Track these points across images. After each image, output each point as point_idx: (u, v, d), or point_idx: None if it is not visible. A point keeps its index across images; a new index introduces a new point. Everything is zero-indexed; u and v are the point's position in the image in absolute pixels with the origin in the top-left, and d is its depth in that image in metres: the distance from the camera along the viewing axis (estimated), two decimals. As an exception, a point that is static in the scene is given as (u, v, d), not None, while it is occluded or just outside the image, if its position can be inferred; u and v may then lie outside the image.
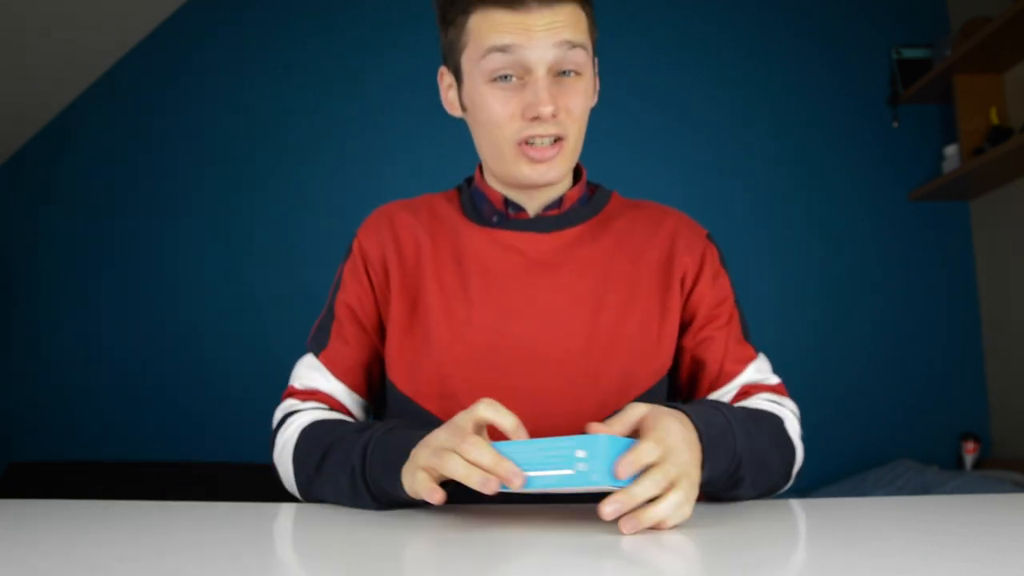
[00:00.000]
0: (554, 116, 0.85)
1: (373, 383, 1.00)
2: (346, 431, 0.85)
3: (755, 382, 0.94)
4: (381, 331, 0.98)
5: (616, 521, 0.63)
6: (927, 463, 2.42)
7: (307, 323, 3.12)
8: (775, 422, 0.86)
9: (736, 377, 0.94)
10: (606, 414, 0.86)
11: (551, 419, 0.87)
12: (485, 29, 0.84)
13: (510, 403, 0.88)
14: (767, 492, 0.85)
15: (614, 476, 0.62)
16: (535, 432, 0.87)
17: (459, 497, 0.76)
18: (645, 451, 0.64)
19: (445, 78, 0.95)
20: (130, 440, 2.78)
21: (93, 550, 0.62)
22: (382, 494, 0.77)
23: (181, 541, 0.65)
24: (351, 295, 0.99)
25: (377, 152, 2.87)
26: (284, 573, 0.56)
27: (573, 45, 0.84)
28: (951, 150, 2.56)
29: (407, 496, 0.73)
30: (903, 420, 2.62)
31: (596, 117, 1.10)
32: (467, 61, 0.88)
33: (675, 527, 0.65)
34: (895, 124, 2.77)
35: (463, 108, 0.93)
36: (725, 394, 0.94)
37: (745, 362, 0.95)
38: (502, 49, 0.83)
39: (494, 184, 0.96)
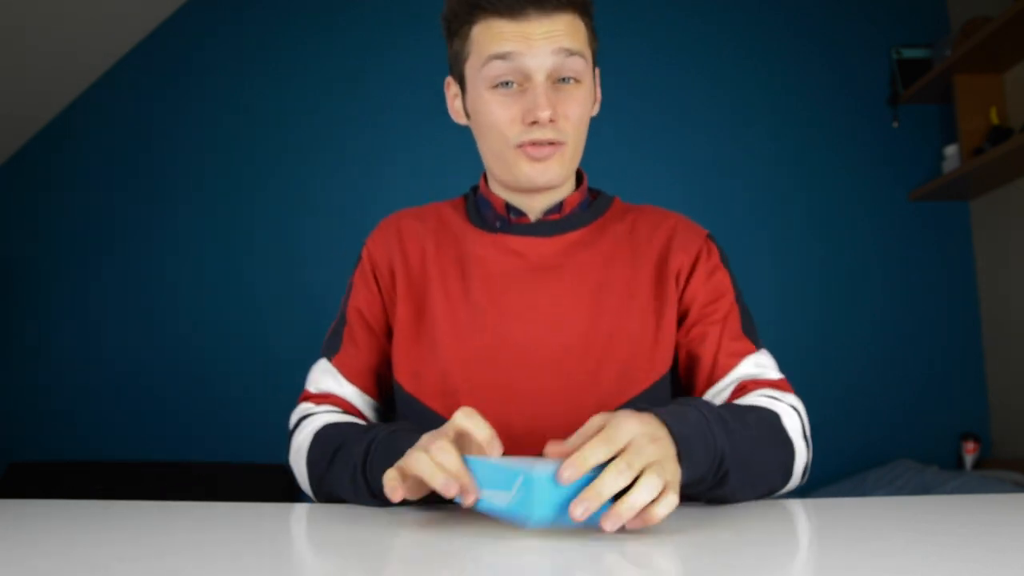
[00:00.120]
0: (552, 121, 0.87)
1: (384, 385, 1.02)
2: (354, 432, 0.86)
3: (753, 377, 0.92)
4: (390, 334, 1.00)
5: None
6: (927, 463, 2.42)
7: (307, 323, 3.14)
8: (767, 418, 0.82)
9: (731, 371, 0.92)
10: (606, 411, 0.87)
11: (551, 418, 0.88)
12: (487, 38, 0.87)
13: (511, 402, 0.89)
14: (764, 492, 0.82)
15: (558, 514, 0.59)
16: (535, 431, 0.89)
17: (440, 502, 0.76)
18: (590, 450, 0.60)
19: (451, 88, 0.98)
20: (130, 440, 2.78)
21: (93, 550, 0.62)
22: (379, 491, 0.78)
23: (181, 541, 0.65)
24: (361, 300, 1.01)
25: (377, 152, 2.87)
26: (284, 573, 0.56)
27: (571, 53, 0.87)
28: (951, 150, 2.56)
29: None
30: (903, 420, 2.62)
31: (596, 116, 1.10)
32: (470, 69, 0.91)
33: (665, 519, 0.62)
34: (895, 124, 2.77)
35: (467, 116, 0.96)
36: (722, 389, 0.92)
37: (740, 356, 0.93)
38: (503, 56, 0.86)
39: (497, 190, 0.99)
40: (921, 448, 2.57)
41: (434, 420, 0.90)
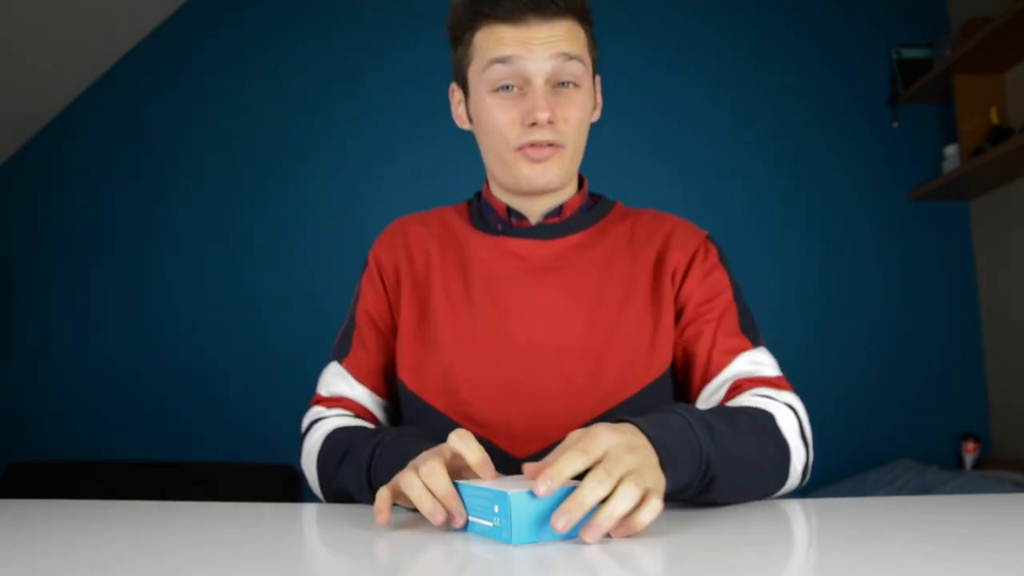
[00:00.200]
0: (551, 123, 0.90)
1: (393, 384, 1.03)
2: (362, 436, 0.88)
3: (747, 374, 0.92)
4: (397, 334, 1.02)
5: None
6: (927, 463, 2.42)
7: (307, 323, 3.14)
8: (759, 419, 0.81)
9: (725, 368, 0.92)
10: (604, 410, 0.89)
11: (551, 416, 0.89)
12: (489, 43, 0.90)
13: (511, 400, 0.91)
14: (758, 495, 0.81)
15: (539, 531, 0.60)
16: (535, 429, 0.90)
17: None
18: (565, 461, 0.59)
19: (455, 94, 1.01)
20: (130, 440, 2.78)
21: (93, 550, 0.62)
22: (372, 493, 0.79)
23: (181, 541, 0.65)
24: (369, 303, 1.03)
25: (377, 152, 2.88)
26: (284, 573, 0.56)
27: (570, 57, 0.89)
28: (951, 150, 2.56)
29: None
30: (903, 420, 2.62)
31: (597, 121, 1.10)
32: (473, 74, 0.94)
33: (651, 525, 0.62)
34: (895, 124, 2.77)
35: (470, 120, 0.99)
36: (716, 388, 0.92)
37: (735, 353, 0.93)
38: (503, 60, 0.89)
39: (499, 194, 1.01)
40: (921, 448, 2.57)
41: (436, 418, 0.92)
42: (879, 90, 2.80)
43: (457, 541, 0.63)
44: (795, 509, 0.78)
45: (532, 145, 0.91)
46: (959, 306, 2.69)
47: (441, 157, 2.77)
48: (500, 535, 0.60)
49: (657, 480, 0.64)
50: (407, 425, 0.96)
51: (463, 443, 0.68)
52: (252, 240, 2.87)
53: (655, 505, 0.60)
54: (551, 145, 0.91)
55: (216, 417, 2.77)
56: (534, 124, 0.89)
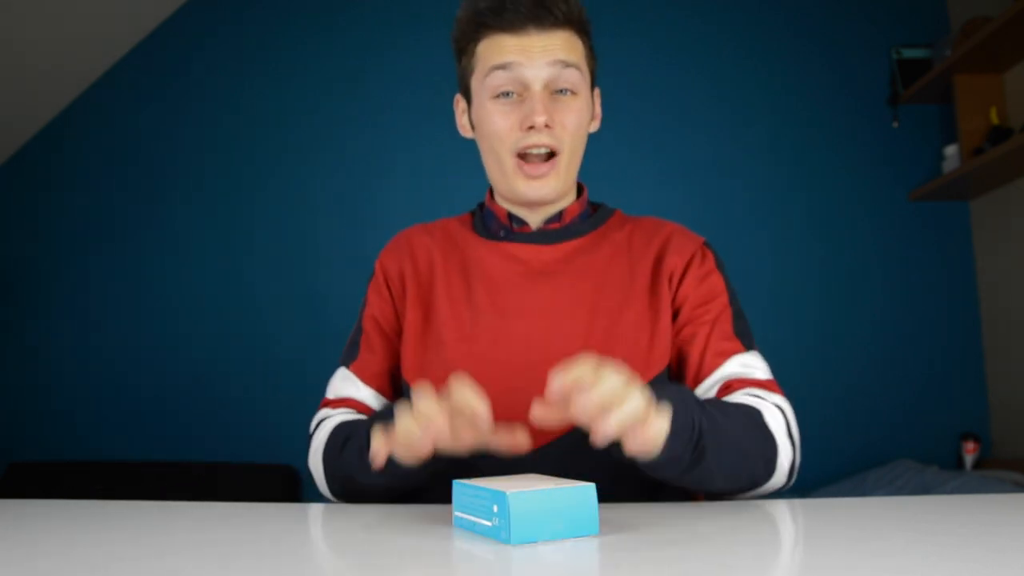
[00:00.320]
0: (548, 127, 0.93)
1: (399, 387, 1.05)
2: (363, 421, 0.92)
3: (738, 376, 0.94)
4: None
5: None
6: (927, 463, 2.42)
7: (307, 323, 3.14)
8: (747, 412, 0.85)
9: (716, 370, 0.94)
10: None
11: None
12: (491, 52, 0.95)
13: (511, 398, 0.92)
14: (746, 482, 0.83)
15: (536, 531, 0.60)
16: (536, 428, 0.90)
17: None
18: (576, 367, 0.66)
19: (459, 104, 1.05)
20: (130, 440, 2.78)
21: (93, 550, 0.62)
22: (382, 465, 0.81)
23: (181, 541, 0.65)
24: (375, 310, 1.06)
25: (377, 152, 2.88)
26: (284, 573, 0.56)
27: (567, 65, 0.93)
28: (951, 150, 2.56)
29: (398, 463, 0.78)
30: (903, 420, 2.62)
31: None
32: (475, 82, 0.98)
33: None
34: (895, 124, 2.77)
35: (473, 128, 1.03)
36: (708, 388, 0.94)
37: (727, 355, 0.94)
38: (503, 67, 0.93)
39: (500, 201, 1.04)
40: (921, 448, 2.57)
41: None
42: (879, 90, 2.80)
43: (456, 541, 0.63)
44: (795, 509, 0.79)
45: (528, 160, 0.95)
46: (959, 306, 2.68)
47: (441, 157, 2.77)
48: (499, 535, 0.61)
49: (660, 413, 0.71)
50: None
51: (422, 398, 0.72)
52: (252, 240, 2.87)
53: (661, 423, 0.68)
54: (548, 159, 0.95)
55: (216, 417, 2.77)
56: (531, 128, 0.93)
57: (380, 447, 0.72)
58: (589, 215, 1.06)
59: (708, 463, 0.76)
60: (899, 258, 2.71)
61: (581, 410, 0.66)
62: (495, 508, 0.61)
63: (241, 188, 2.90)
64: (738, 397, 0.91)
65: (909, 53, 2.76)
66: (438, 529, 0.67)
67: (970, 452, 2.50)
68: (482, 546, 0.60)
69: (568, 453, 0.90)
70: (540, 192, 0.97)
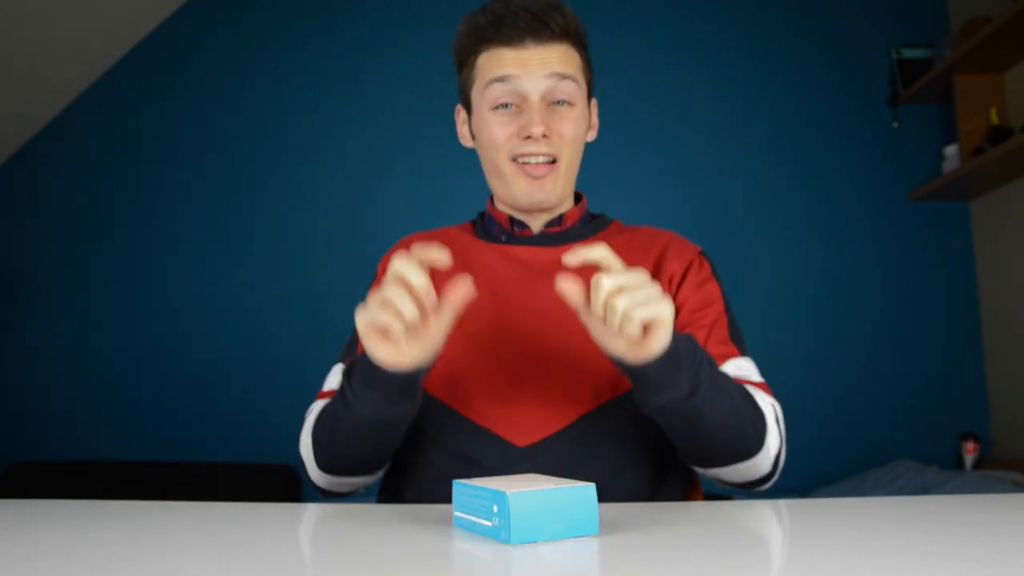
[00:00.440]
0: (546, 137, 0.96)
1: None
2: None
3: (735, 377, 0.95)
4: None
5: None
6: (927, 463, 2.42)
7: (307, 323, 3.13)
8: (743, 388, 0.88)
9: None
10: (602, 402, 0.93)
11: (550, 408, 0.93)
12: (490, 65, 0.98)
13: (512, 392, 0.95)
14: (734, 444, 0.85)
15: (536, 531, 0.60)
16: (535, 420, 0.93)
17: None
18: (601, 249, 0.74)
19: (460, 115, 1.08)
20: (130, 440, 2.78)
21: (93, 550, 0.62)
22: (363, 380, 0.82)
23: (181, 541, 0.65)
24: None
25: (377, 152, 2.88)
26: (284, 573, 0.56)
27: (563, 77, 0.97)
28: (951, 150, 2.56)
29: (379, 367, 0.79)
30: (903, 420, 2.62)
31: (598, 115, 1.11)
32: (476, 94, 1.01)
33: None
34: (895, 124, 2.77)
35: (473, 138, 1.06)
36: None
37: (723, 359, 0.96)
38: (502, 79, 0.96)
39: (501, 207, 1.07)
40: (921, 448, 2.57)
41: (440, 409, 0.95)
42: (879, 90, 2.80)
43: (456, 541, 0.63)
44: (795, 509, 0.79)
45: (527, 161, 0.97)
46: (959, 306, 2.69)
47: (441, 157, 2.77)
48: (499, 535, 0.61)
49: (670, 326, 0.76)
50: None
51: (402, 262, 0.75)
52: (252, 240, 2.87)
53: (667, 332, 0.74)
54: (547, 164, 0.97)
55: (216, 417, 2.77)
56: (529, 138, 0.96)
57: (370, 333, 0.76)
58: (589, 221, 1.08)
59: (702, 401, 0.80)
60: (899, 258, 2.71)
61: (602, 285, 0.72)
62: (495, 508, 0.61)
63: (241, 188, 2.90)
64: None
65: (909, 53, 2.76)
66: (438, 529, 0.68)
67: (970, 452, 2.50)
68: (482, 546, 0.60)
69: (566, 447, 0.92)
70: (540, 193, 0.99)
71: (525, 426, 0.92)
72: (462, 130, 1.08)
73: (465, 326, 0.99)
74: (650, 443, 0.95)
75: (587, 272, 1.01)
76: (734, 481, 0.92)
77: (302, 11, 2.97)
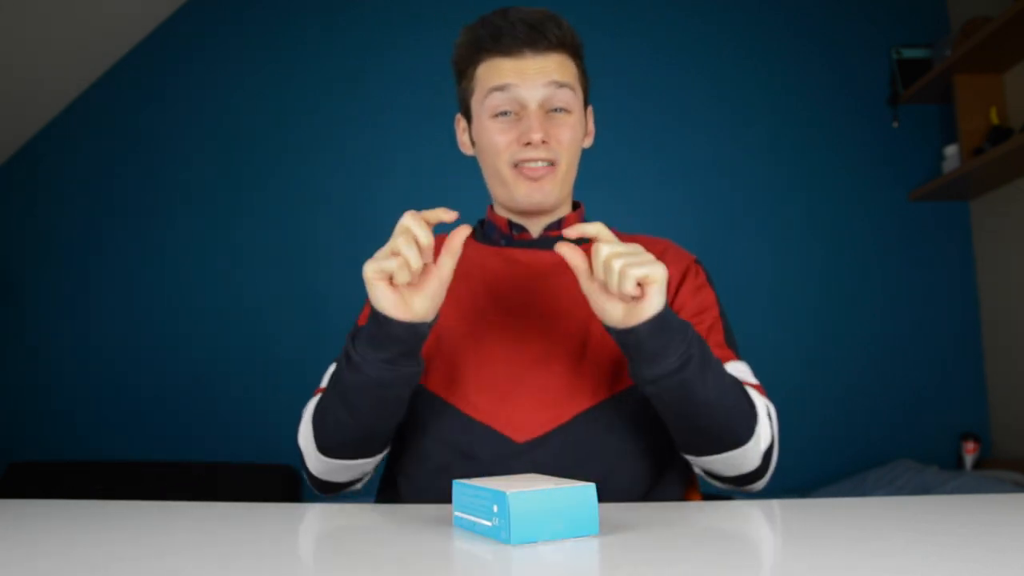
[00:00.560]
0: (545, 143, 0.99)
1: None
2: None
3: None
4: None
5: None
6: (927, 463, 2.42)
7: (307, 323, 3.13)
8: (736, 379, 0.90)
9: None
10: (600, 399, 0.95)
11: (550, 405, 0.95)
12: (489, 74, 1.00)
13: (512, 390, 0.96)
14: (725, 429, 0.86)
15: (536, 531, 0.60)
16: (534, 417, 0.94)
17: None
18: (598, 226, 0.82)
19: (460, 124, 1.10)
20: (130, 440, 2.78)
21: (93, 550, 0.62)
22: (368, 341, 0.84)
23: (181, 541, 0.65)
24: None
25: (377, 152, 2.87)
26: (284, 573, 0.56)
27: (560, 85, 0.99)
28: (951, 150, 2.56)
29: (385, 319, 0.82)
30: (903, 420, 2.62)
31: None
32: (476, 103, 1.04)
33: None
34: (895, 124, 2.77)
35: (473, 145, 1.08)
36: None
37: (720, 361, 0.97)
38: (501, 88, 0.99)
39: (500, 212, 1.09)
40: (921, 448, 2.57)
41: (439, 405, 0.97)
42: (879, 90, 2.80)
43: (456, 541, 0.63)
44: (794, 509, 0.79)
45: (527, 165, 0.99)
46: (959, 306, 2.69)
47: (441, 157, 2.76)
48: (499, 535, 0.61)
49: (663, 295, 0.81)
50: None
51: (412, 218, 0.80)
52: (252, 240, 2.87)
53: (660, 298, 0.79)
54: (547, 166, 1.00)
55: (216, 417, 2.77)
56: (528, 144, 0.98)
57: (378, 280, 0.81)
58: None
59: (692, 376, 0.82)
60: (899, 258, 2.71)
61: (601, 250, 0.79)
62: (495, 508, 0.61)
63: (241, 188, 2.90)
64: None
65: (909, 53, 2.76)
66: (438, 529, 0.68)
67: (970, 452, 2.50)
68: (482, 546, 0.60)
69: (564, 444, 0.93)
70: (539, 194, 1.00)
71: (524, 422, 0.93)
72: (462, 138, 1.10)
73: (466, 326, 1.01)
74: (648, 440, 0.96)
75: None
76: (725, 475, 0.93)
77: (302, 11, 2.97)
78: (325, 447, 0.93)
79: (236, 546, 0.63)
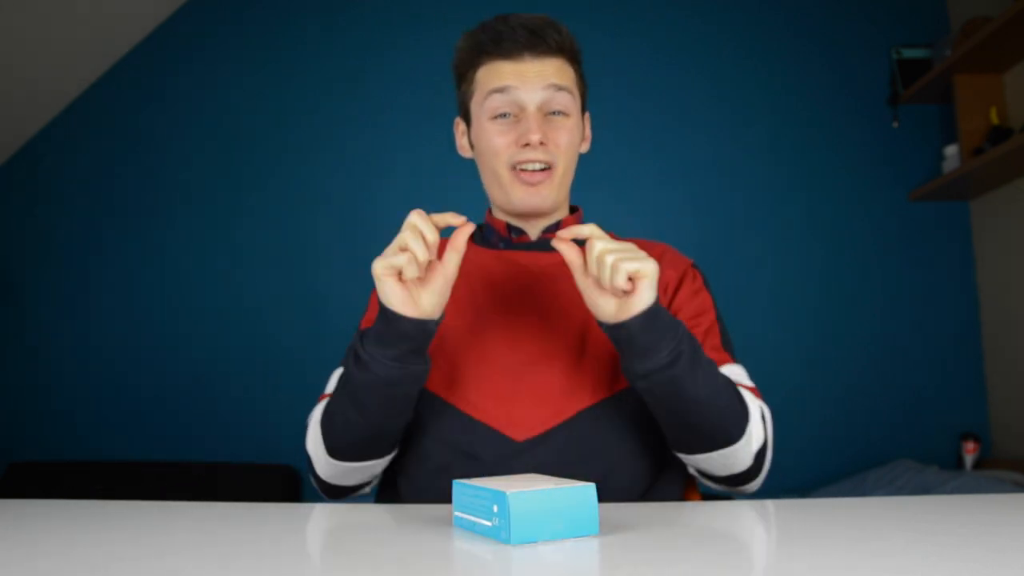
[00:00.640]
0: (543, 144, 0.99)
1: None
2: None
3: None
4: None
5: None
6: (927, 463, 2.42)
7: (307, 323, 3.13)
8: (728, 380, 0.91)
9: None
10: (599, 399, 0.96)
11: (549, 405, 0.95)
12: (489, 77, 1.02)
13: (512, 390, 0.97)
14: (717, 428, 0.87)
15: (536, 531, 0.60)
16: (533, 416, 0.95)
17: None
18: (585, 225, 0.85)
19: (459, 127, 1.11)
20: (130, 440, 2.78)
21: (93, 550, 0.62)
22: (376, 340, 0.86)
23: (181, 541, 0.65)
24: (374, 312, 1.10)
25: (377, 152, 2.87)
26: (284, 573, 0.56)
27: (559, 88, 1.01)
28: (951, 150, 2.56)
29: (394, 315, 0.84)
30: (903, 420, 2.62)
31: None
32: (475, 105, 1.05)
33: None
34: (895, 124, 2.77)
35: (472, 148, 1.09)
36: None
37: (717, 364, 0.98)
38: (501, 90, 1.00)
39: (498, 215, 1.10)
40: (921, 448, 2.57)
41: (439, 405, 0.97)
42: (879, 90, 2.80)
43: (456, 541, 0.63)
44: (794, 509, 0.79)
45: (525, 169, 1.00)
46: (959, 306, 2.68)
47: (441, 157, 2.76)
48: (499, 535, 0.61)
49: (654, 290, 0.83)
50: None
51: (420, 217, 0.82)
52: (252, 240, 2.87)
53: (652, 292, 0.82)
54: (543, 170, 1.00)
55: (216, 417, 2.77)
56: (527, 145, 0.99)
57: (385, 279, 0.83)
58: None
59: (682, 371, 0.84)
60: (899, 258, 2.71)
61: (595, 246, 0.82)
62: (495, 508, 0.61)
63: (241, 188, 2.90)
64: None
65: (909, 53, 2.76)
66: (438, 529, 0.68)
67: (970, 452, 2.50)
68: (482, 546, 0.60)
69: (564, 442, 0.93)
70: (536, 198, 1.01)
71: (524, 421, 0.94)
72: (461, 141, 1.11)
73: (465, 324, 1.02)
74: (648, 439, 0.96)
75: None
76: (717, 474, 0.93)
77: (302, 11, 2.97)
78: (334, 449, 0.93)
79: (236, 546, 0.63)
